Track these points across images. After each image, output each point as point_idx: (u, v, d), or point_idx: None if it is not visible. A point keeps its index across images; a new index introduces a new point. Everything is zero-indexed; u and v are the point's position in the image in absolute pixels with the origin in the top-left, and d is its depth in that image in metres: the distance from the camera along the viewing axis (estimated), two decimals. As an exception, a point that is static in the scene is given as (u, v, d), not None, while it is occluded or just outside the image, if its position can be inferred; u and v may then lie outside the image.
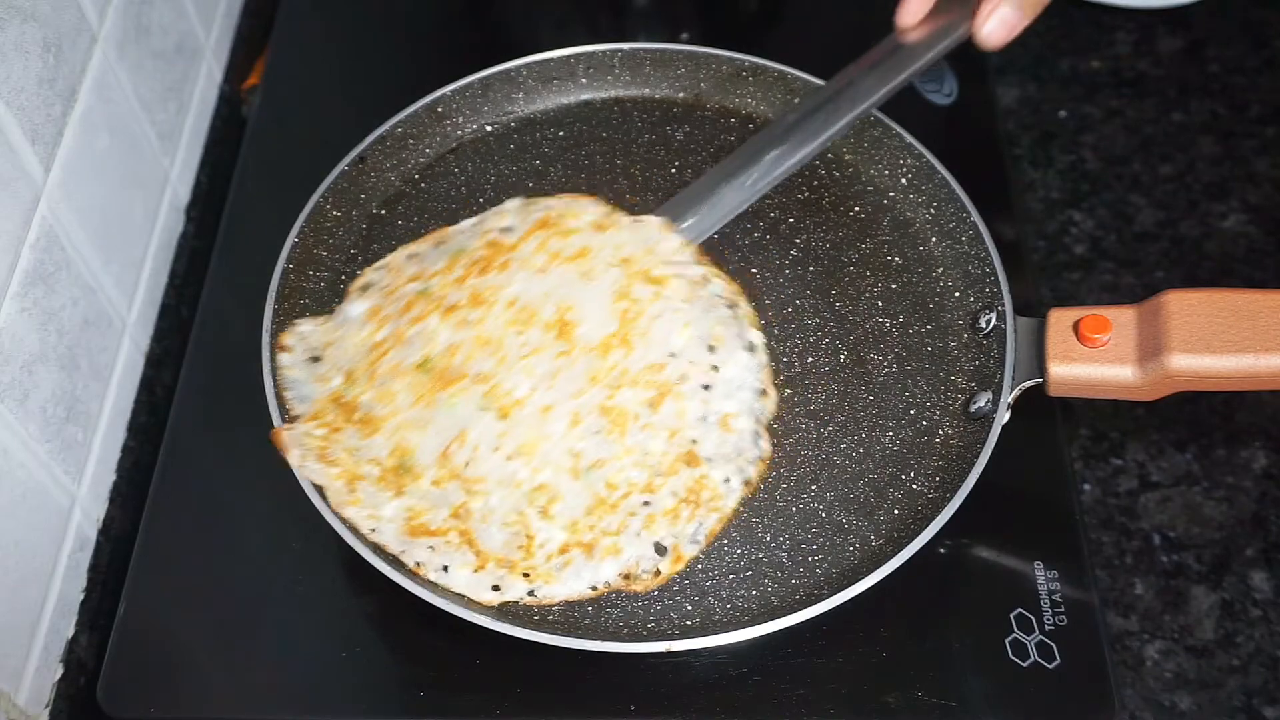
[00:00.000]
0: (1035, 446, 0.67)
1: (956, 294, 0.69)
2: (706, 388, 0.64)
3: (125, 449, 0.71)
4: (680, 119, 0.78)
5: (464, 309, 0.66)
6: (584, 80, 0.79)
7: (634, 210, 0.72)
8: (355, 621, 0.62)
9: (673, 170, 0.76)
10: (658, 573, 0.59)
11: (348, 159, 0.73)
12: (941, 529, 0.58)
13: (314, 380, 0.64)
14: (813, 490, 0.63)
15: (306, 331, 0.65)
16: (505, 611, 0.58)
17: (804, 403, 0.66)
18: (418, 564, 0.58)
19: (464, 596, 0.58)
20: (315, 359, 0.65)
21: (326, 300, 0.69)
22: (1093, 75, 0.91)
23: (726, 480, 0.62)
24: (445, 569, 0.58)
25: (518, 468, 0.61)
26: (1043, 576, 0.63)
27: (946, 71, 0.85)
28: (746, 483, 0.62)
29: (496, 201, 0.73)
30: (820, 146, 0.71)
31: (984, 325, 0.66)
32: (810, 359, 0.67)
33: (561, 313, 0.65)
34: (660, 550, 0.59)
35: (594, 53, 0.78)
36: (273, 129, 0.84)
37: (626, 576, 0.59)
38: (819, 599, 0.56)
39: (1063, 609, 0.61)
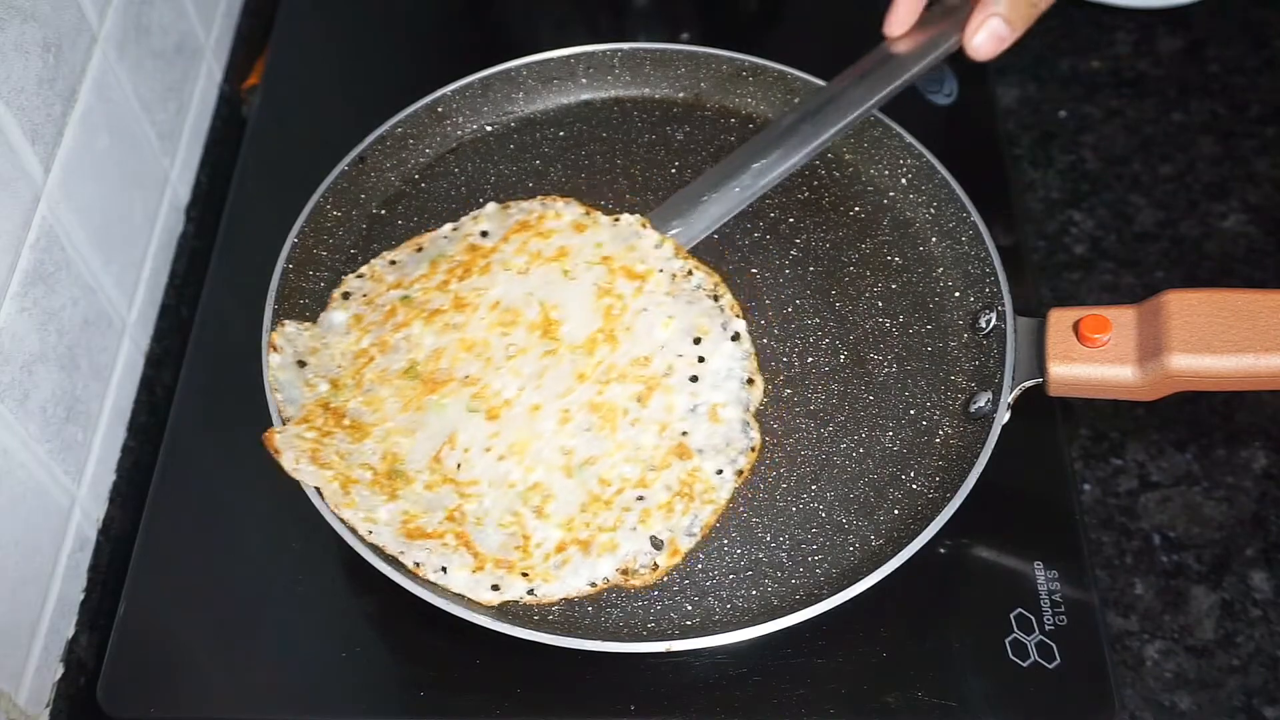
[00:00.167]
0: (1035, 446, 0.67)
1: (956, 294, 0.69)
2: (694, 379, 0.64)
3: (125, 449, 0.71)
4: (680, 119, 0.78)
5: (447, 313, 0.66)
6: (584, 80, 0.79)
7: (634, 211, 0.72)
8: (355, 621, 0.62)
9: (673, 170, 0.76)
10: (655, 567, 0.59)
11: (348, 159, 0.73)
12: (941, 529, 0.58)
13: (301, 384, 0.64)
14: (813, 490, 0.63)
15: (293, 334, 0.65)
16: (505, 611, 0.58)
17: (804, 403, 0.66)
18: (416, 564, 0.58)
19: (464, 596, 0.58)
20: (301, 364, 0.65)
21: (327, 301, 0.69)
22: (1093, 75, 0.91)
23: (719, 471, 0.62)
24: (444, 570, 0.58)
25: (510, 468, 0.61)
26: (1043, 576, 0.63)
27: (946, 72, 0.85)
28: (739, 473, 0.62)
29: (497, 202, 0.73)
30: (809, 156, 0.72)
31: (984, 325, 0.66)
32: (810, 359, 0.67)
33: (545, 312, 0.66)
34: (656, 544, 0.60)
35: (594, 53, 0.78)
36: (273, 129, 0.84)
37: (624, 572, 0.59)
38: (819, 599, 0.56)
39: (1063, 609, 0.61)
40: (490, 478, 0.61)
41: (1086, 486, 0.71)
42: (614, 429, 0.62)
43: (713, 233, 0.71)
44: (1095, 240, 0.82)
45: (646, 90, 0.80)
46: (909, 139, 0.72)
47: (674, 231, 0.70)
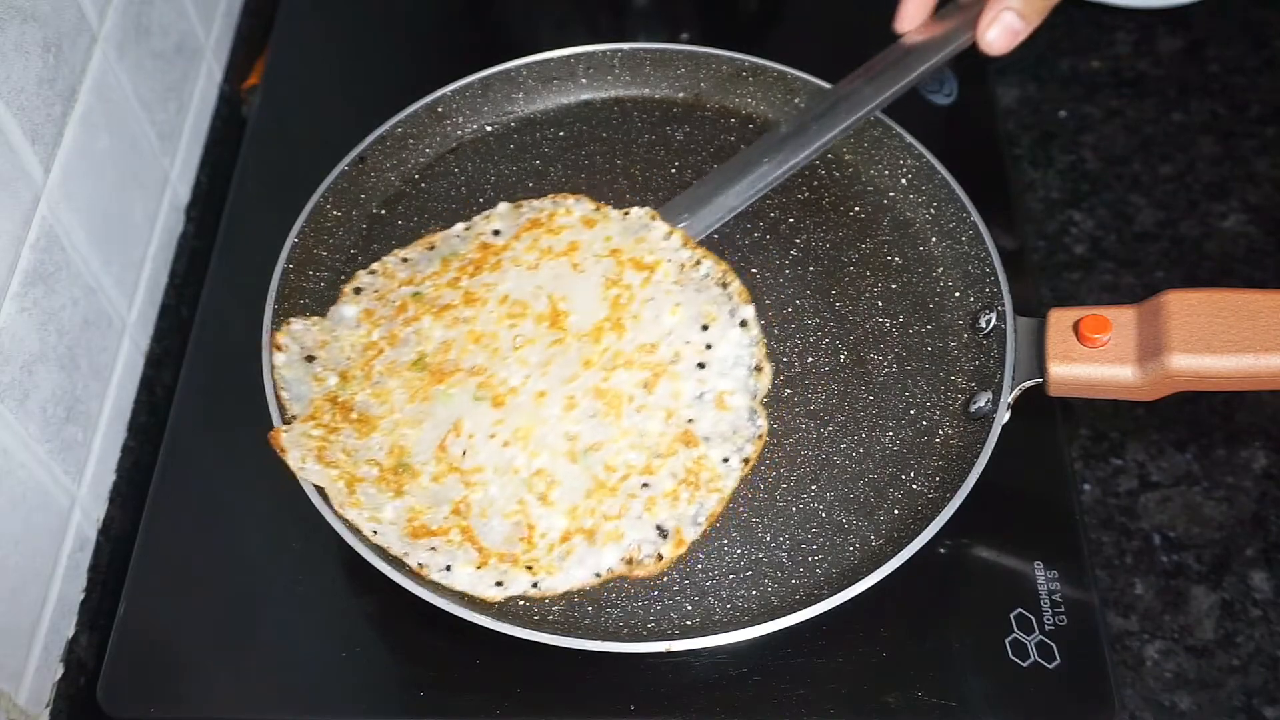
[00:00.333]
0: (1035, 446, 0.67)
1: (956, 294, 0.69)
2: (701, 366, 0.64)
3: (125, 449, 0.71)
4: (680, 119, 0.78)
5: (457, 308, 0.66)
6: (584, 80, 0.79)
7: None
8: (355, 621, 0.62)
9: (673, 170, 0.76)
10: (660, 557, 0.59)
11: (348, 159, 0.73)
12: (941, 529, 0.58)
13: (309, 379, 0.64)
14: (813, 490, 0.63)
15: (299, 330, 0.66)
16: (505, 611, 0.58)
17: (804, 403, 0.66)
18: (420, 565, 0.58)
19: (465, 595, 0.58)
20: (310, 358, 0.65)
21: (327, 300, 0.69)
22: (1093, 75, 0.91)
23: (725, 460, 0.62)
24: (448, 568, 0.58)
25: (514, 454, 0.61)
26: (1043, 576, 0.63)
27: (946, 72, 0.85)
28: (745, 461, 0.62)
29: (496, 202, 0.73)
30: (816, 152, 0.71)
31: (984, 325, 0.66)
32: (810, 359, 0.67)
33: (553, 304, 0.66)
34: (662, 533, 0.60)
35: (594, 53, 0.78)
36: (273, 129, 0.84)
37: (629, 562, 0.59)
38: (819, 599, 0.56)
39: (1063, 609, 0.61)
40: (495, 464, 0.61)
41: (1086, 486, 0.71)
42: (619, 415, 0.62)
43: (713, 232, 0.71)
44: (1095, 240, 0.82)
45: (646, 90, 0.80)
46: (909, 139, 0.72)
47: (682, 224, 0.70)
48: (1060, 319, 0.61)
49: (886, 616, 0.61)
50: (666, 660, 0.60)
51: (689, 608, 0.59)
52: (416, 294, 0.67)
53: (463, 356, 0.64)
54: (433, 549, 0.58)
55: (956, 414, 0.65)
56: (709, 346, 0.65)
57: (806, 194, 0.74)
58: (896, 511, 0.62)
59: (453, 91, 0.76)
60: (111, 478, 0.70)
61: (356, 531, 0.58)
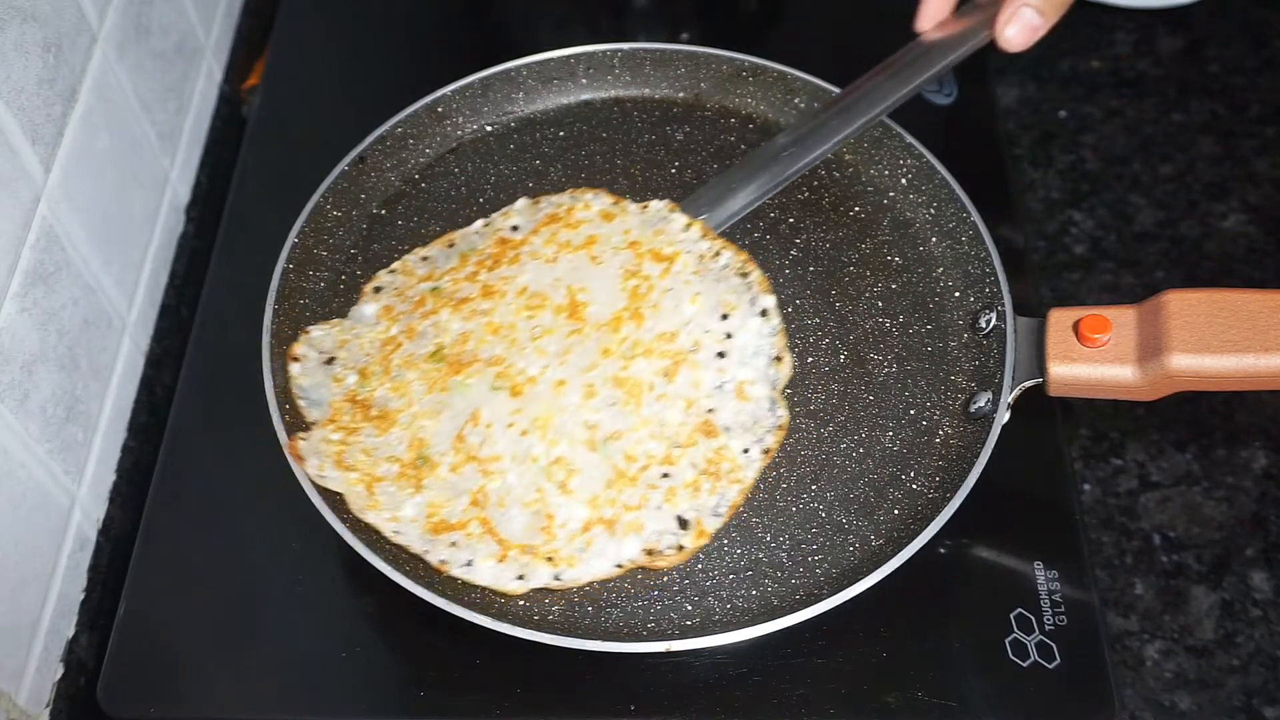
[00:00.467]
0: (1035, 446, 0.67)
1: (956, 294, 0.69)
2: (721, 355, 0.64)
3: (125, 449, 0.71)
4: (680, 119, 0.78)
5: (475, 301, 0.66)
6: (584, 80, 0.79)
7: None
8: (355, 621, 0.62)
9: (673, 170, 0.76)
10: (680, 548, 0.59)
11: (348, 159, 0.73)
12: (941, 529, 0.58)
13: (329, 381, 0.64)
14: (813, 490, 0.63)
15: (318, 336, 0.66)
16: (505, 611, 0.58)
17: (804, 403, 0.66)
18: (441, 562, 0.58)
19: (483, 590, 0.58)
20: (330, 360, 0.65)
21: (326, 300, 0.69)
22: (1093, 75, 0.91)
23: (745, 450, 0.62)
24: (469, 564, 0.58)
25: (533, 443, 0.61)
26: (1043, 576, 0.63)
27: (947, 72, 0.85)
28: (765, 452, 0.62)
29: (496, 201, 0.74)
30: (836, 145, 0.71)
31: (984, 325, 0.66)
32: (810, 359, 0.67)
33: (572, 295, 0.66)
34: (683, 524, 0.59)
35: (594, 53, 0.78)
36: (273, 129, 0.84)
37: (650, 553, 0.59)
38: (819, 599, 0.56)
39: (1063, 609, 0.61)
40: (513, 453, 0.61)
41: (1086, 486, 0.71)
42: (639, 404, 0.62)
43: (720, 230, 0.71)
44: (1095, 240, 0.82)
45: (646, 90, 0.80)
46: (909, 139, 0.72)
47: (702, 216, 0.70)
48: (1060, 319, 0.61)
49: (886, 616, 0.61)
50: (666, 660, 0.60)
51: (689, 608, 0.59)
52: (435, 289, 0.67)
53: (480, 347, 0.64)
54: (453, 544, 0.58)
55: (956, 414, 0.65)
56: (729, 336, 0.65)
57: (806, 194, 0.74)
58: (896, 511, 0.62)
59: (453, 91, 0.76)
60: (111, 478, 0.70)
61: (357, 532, 0.58)
